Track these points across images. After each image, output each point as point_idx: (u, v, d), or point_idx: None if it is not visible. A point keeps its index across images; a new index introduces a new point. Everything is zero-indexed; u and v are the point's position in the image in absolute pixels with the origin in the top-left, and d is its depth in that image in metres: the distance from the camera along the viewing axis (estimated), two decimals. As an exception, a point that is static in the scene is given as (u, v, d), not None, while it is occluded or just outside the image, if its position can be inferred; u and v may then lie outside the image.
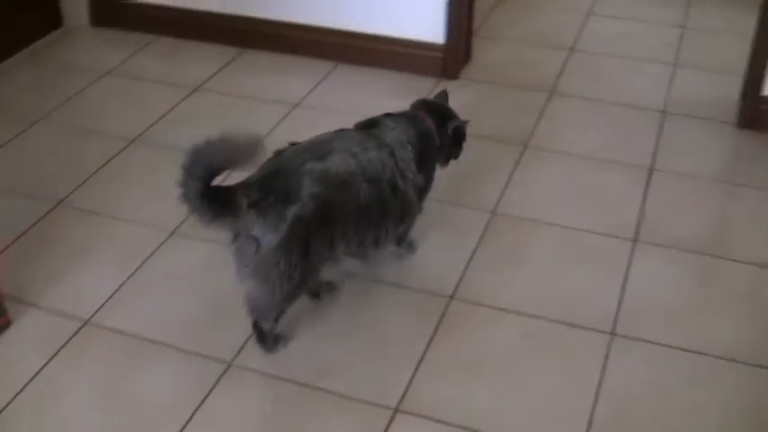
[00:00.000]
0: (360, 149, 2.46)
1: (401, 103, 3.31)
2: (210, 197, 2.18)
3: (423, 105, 2.79)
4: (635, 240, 2.94)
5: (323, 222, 2.35)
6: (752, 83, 3.54)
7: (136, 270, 2.80)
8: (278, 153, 2.44)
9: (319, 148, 2.43)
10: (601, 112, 3.68)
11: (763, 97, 3.52)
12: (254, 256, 2.30)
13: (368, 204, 2.45)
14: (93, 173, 3.24)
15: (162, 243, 2.90)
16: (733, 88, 3.69)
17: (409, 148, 2.59)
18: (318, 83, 3.80)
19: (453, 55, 3.82)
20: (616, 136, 3.51)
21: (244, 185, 2.31)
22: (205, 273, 2.79)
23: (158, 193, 3.08)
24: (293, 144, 2.48)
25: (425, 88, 3.73)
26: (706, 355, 2.52)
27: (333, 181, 2.37)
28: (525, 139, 3.44)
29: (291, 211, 2.28)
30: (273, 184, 2.31)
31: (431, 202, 2.82)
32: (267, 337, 2.50)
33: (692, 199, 3.16)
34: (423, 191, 2.70)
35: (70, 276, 2.77)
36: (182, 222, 2.96)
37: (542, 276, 2.81)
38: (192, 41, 4.11)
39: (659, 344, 2.55)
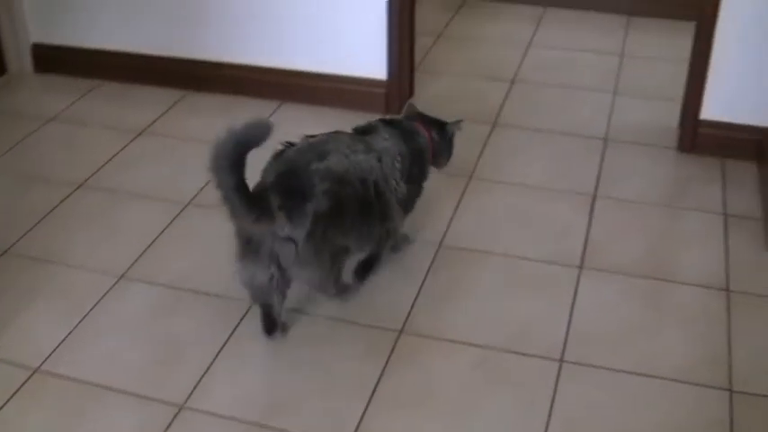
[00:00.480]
0: (350, 151, 2.65)
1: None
2: (249, 196, 2.36)
3: (417, 117, 2.98)
4: (581, 267, 2.97)
5: (336, 214, 2.54)
6: (690, 107, 3.60)
7: (85, 316, 2.77)
8: (278, 154, 2.62)
9: (317, 148, 2.62)
10: (543, 141, 3.72)
11: (702, 121, 3.58)
12: (294, 254, 2.49)
13: (362, 200, 2.65)
14: (40, 219, 3.21)
15: (110, 288, 2.89)
16: (672, 113, 3.76)
17: (399, 159, 2.78)
18: (263, 122, 3.79)
19: (397, 90, 3.85)
20: (559, 165, 3.55)
21: (265, 189, 2.49)
22: (154, 316, 2.78)
23: (106, 238, 3.09)
24: (290, 144, 2.65)
25: (370, 124, 3.75)
26: (654, 377, 2.55)
27: (335, 178, 2.56)
28: (470, 171, 3.47)
29: (310, 208, 2.48)
30: (291, 185, 2.50)
31: None
32: (349, 287, 2.81)
33: (636, 224, 3.20)
34: (409, 200, 2.89)
35: (18, 324, 2.74)
36: (130, 266, 2.95)
37: (491, 306, 2.82)
38: (136, 85, 4.11)
39: (608, 368, 2.58)
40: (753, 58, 3.45)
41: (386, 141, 2.78)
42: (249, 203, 2.36)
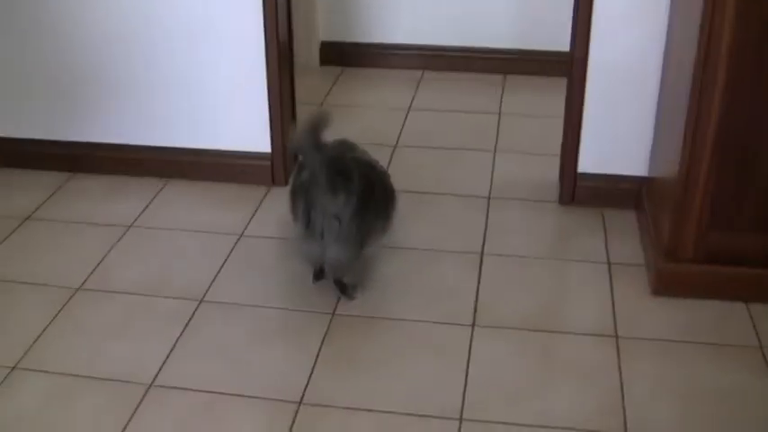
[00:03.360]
0: (359, 150, 3.19)
1: (234, 215, 3.34)
2: (331, 174, 2.86)
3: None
4: (473, 325, 3.00)
5: (368, 196, 2.99)
6: (568, 161, 3.68)
7: (-23, 411, 2.70)
8: (314, 151, 2.92)
9: (345, 144, 3.17)
10: (429, 203, 3.77)
11: (580, 174, 3.67)
12: (338, 230, 2.92)
13: (380, 185, 3.11)
14: (-76, 316, 3.12)
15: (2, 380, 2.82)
16: (552, 168, 3.86)
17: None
18: (149, 202, 3.79)
19: (282, 162, 3.86)
20: (446, 226, 3.59)
21: (330, 170, 2.90)
22: (48, 405, 2.70)
23: (-6, 330, 3.02)
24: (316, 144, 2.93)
25: (256, 197, 3.77)
26: (552, 428, 2.58)
27: (364, 164, 3.09)
28: (359, 237, 3.48)
29: (355, 189, 2.92)
30: (341, 170, 2.92)
31: (267, 309, 2.96)
32: (348, 288, 3.11)
33: (524, 278, 3.25)
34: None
35: None
36: (22, 357, 2.89)
37: (387, 371, 2.82)
38: (19, 170, 4.04)
39: (507, 423, 2.60)
40: (624, 111, 3.55)
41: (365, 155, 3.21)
42: (331, 179, 2.86)
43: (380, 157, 3.90)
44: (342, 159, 2.99)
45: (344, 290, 3.14)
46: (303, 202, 2.97)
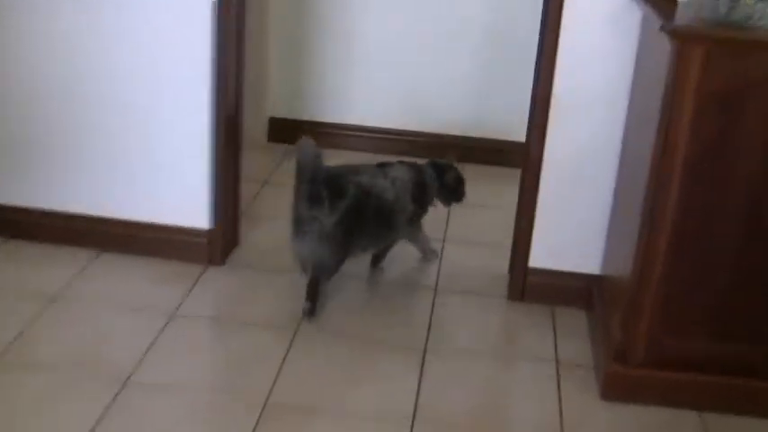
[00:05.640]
0: (373, 176, 3.56)
1: (167, 292, 3.22)
2: (311, 190, 3.33)
3: (430, 161, 3.89)
4: (412, 423, 2.87)
5: (357, 214, 3.42)
6: (518, 255, 3.61)
7: None
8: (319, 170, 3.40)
9: (353, 168, 3.59)
10: (373, 290, 3.68)
11: (531, 269, 3.59)
12: (320, 234, 3.34)
13: (376, 211, 3.51)
14: None
15: None
16: (502, 261, 3.77)
17: (409, 186, 3.66)
18: (80, 272, 3.64)
19: (220, 240, 3.74)
20: (389, 316, 3.50)
21: (319, 185, 3.35)
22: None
23: None
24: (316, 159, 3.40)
25: (192, 275, 3.65)
26: None
27: (362, 188, 3.47)
28: (296, 324, 3.36)
29: (343, 204, 3.37)
30: (335, 185, 3.38)
31: (200, 392, 2.83)
32: (316, 298, 3.40)
33: (468, 376, 3.15)
34: (414, 216, 3.75)
35: None
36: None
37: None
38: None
39: None
40: (578, 206, 3.50)
41: (399, 172, 3.63)
42: (311, 193, 3.32)
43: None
44: (338, 178, 3.43)
45: (312, 297, 3.40)
46: (295, 205, 3.39)
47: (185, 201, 3.71)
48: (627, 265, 2.98)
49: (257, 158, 4.81)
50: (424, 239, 3.89)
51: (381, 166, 3.66)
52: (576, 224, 3.51)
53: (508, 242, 3.71)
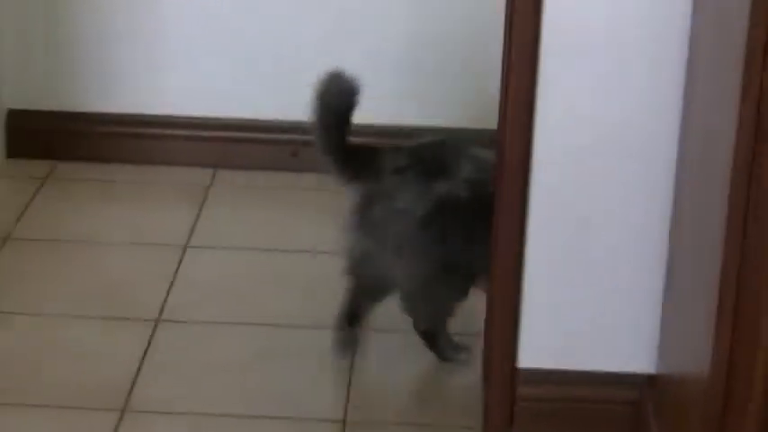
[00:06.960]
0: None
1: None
2: (352, 153, 2.38)
3: None
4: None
5: (479, 213, 2.34)
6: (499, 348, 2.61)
7: None
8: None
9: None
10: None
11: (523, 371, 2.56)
12: (400, 231, 2.36)
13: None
14: None
15: None
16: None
17: None
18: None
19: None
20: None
21: (394, 149, 2.44)
22: None
23: None
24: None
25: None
26: None
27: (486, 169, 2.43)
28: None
29: (440, 188, 2.35)
30: (424, 155, 2.42)
31: None
32: (441, 342, 2.45)
33: None
34: None
35: None
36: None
37: None
38: None
39: None
40: (599, 256, 2.48)
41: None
42: (350, 158, 2.37)
43: (128, 345, 2.89)
44: (439, 149, 2.47)
45: (437, 347, 2.49)
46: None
47: None
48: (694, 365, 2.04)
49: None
50: None
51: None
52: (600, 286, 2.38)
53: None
